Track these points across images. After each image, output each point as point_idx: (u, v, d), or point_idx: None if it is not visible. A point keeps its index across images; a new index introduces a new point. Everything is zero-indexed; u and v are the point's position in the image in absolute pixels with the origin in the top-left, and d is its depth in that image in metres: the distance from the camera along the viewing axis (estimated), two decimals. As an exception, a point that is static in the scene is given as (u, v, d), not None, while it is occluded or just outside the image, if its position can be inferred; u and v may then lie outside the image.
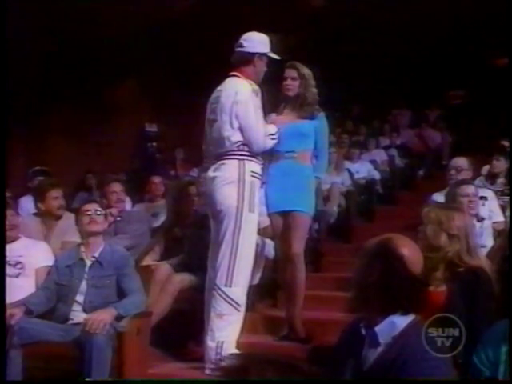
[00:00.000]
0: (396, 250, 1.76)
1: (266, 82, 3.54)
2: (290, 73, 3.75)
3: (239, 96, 3.30)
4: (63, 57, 7.10)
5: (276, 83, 3.80)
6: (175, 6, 7.08)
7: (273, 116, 3.72)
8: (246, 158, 3.32)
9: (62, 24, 6.69)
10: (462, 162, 4.57)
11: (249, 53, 3.41)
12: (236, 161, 3.31)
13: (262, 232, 3.94)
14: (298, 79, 3.73)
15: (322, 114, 3.77)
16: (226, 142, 3.32)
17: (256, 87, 3.40)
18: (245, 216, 3.25)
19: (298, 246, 3.63)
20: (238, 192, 3.26)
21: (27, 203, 4.89)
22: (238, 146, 3.31)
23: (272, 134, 3.45)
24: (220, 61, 3.58)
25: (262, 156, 3.50)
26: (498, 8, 7.10)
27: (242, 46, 3.44)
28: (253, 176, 3.32)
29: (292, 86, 3.73)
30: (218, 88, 3.42)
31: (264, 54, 3.45)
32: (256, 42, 3.44)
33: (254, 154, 3.35)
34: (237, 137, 3.30)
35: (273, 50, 3.50)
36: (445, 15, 8.21)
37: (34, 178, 5.53)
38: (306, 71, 3.75)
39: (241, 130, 3.30)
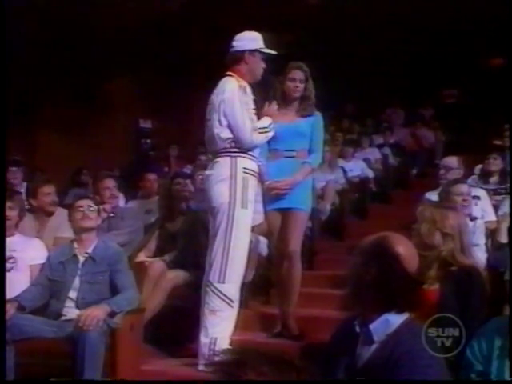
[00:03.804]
0: (392, 248, 1.76)
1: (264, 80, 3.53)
2: (299, 75, 3.75)
3: (225, 94, 3.30)
4: (57, 53, 7.06)
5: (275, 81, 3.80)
6: (172, 3, 7.06)
7: (273, 106, 3.57)
8: (238, 154, 3.31)
9: (57, 21, 6.66)
10: (451, 161, 4.58)
11: (238, 51, 3.41)
12: (228, 158, 3.31)
13: (256, 229, 3.94)
14: (305, 81, 3.75)
15: (318, 112, 3.79)
16: (217, 139, 3.32)
17: (244, 83, 3.37)
18: (237, 212, 3.25)
19: (296, 243, 3.65)
20: (230, 189, 3.26)
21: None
22: (230, 143, 3.31)
23: (263, 128, 3.40)
24: (216, 59, 3.58)
25: (261, 154, 3.50)
26: (492, 7, 7.12)
27: (232, 46, 3.44)
28: (245, 172, 3.31)
29: (300, 88, 3.75)
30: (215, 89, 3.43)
31: (255, 50, 3.43)
32: (245, 39, 3.44)
33: (246, 151, 3.34)
34: (226, 134, 3.31)
35: (267, 46, 3.48)
36: (439, 14, 8.23)
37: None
38: (309, 73, 3.78)
39: (229, 127, 3.31)
